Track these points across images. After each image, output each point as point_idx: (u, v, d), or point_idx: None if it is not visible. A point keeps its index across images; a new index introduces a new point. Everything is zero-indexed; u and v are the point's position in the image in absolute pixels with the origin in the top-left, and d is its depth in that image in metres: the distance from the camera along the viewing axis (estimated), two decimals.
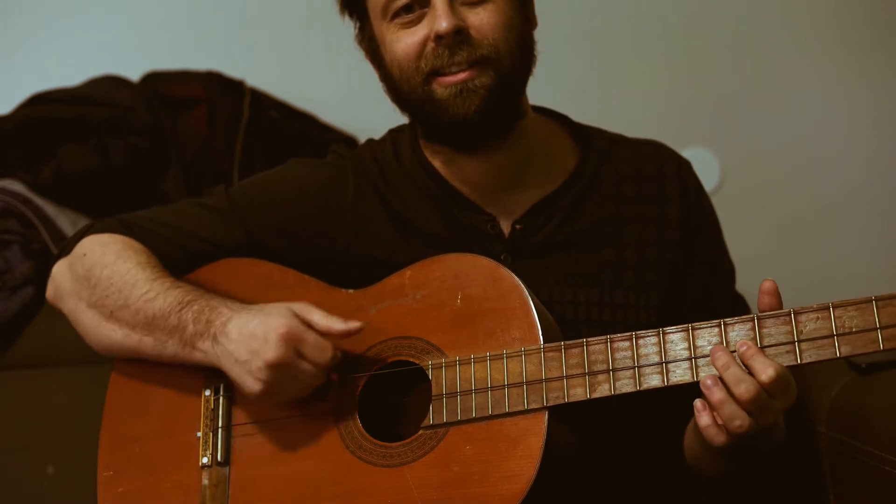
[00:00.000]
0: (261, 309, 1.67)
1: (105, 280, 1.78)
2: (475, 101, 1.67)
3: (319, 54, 2.90)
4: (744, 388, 1.46)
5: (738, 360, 1.48)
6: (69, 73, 2.71)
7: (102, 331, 1.79)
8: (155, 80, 2.73)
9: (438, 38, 1.65)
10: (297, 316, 1.65)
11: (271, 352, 1.61)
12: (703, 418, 1.50)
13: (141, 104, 2.64)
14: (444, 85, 1.67)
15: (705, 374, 1.50)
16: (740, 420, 1.47)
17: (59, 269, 1.85)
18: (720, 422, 1.49)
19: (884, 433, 1.78)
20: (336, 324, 1.64)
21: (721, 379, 1.48)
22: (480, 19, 1.67)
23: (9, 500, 2.38)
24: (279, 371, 1.62)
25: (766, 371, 1.46)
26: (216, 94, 2.70)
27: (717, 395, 1.48)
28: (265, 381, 1.63)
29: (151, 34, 2.91)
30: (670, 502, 1.80)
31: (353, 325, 1.64)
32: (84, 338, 1.84)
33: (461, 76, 1.66)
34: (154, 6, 2.92)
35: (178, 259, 1.83)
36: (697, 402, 1.51)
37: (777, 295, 1.51)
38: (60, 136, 2.59)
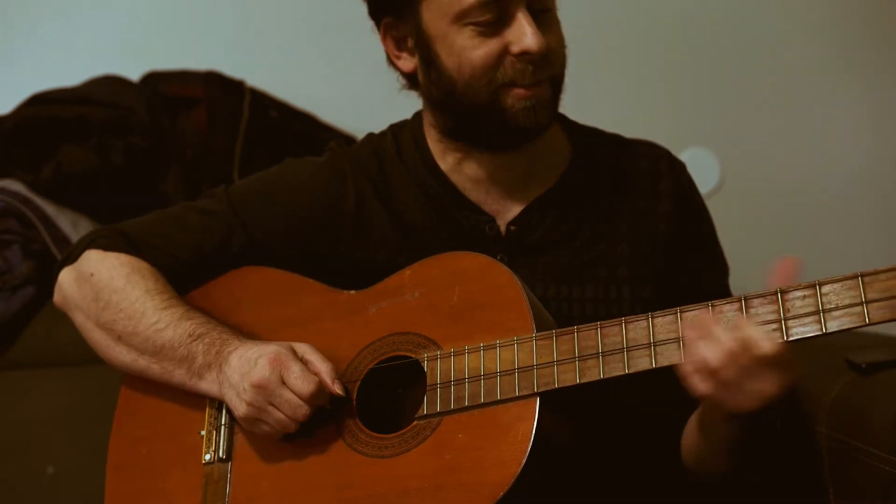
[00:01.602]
0: (264, 343, 1.71)
1: (114, 305, 1.79)
2: (545, 116, 1.71)
3: (319, 54, 2.90)
4: (726, 338, 1.45)
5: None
6: (69, 73, 2.71)
7: (111, 352, 1.82)
8: (155, 80, 2.73)
9: (523, 54, 1.66)
10: (292, 349, 1.68)
11: (257, 373, 1.64)
12: (687, 365, 1.49)
13: (141, 104, 2.64)
14: (516, 97, 1.68)
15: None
16: (713, 353, 1.45)
17: (66, 280, 1.86)
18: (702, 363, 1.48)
19: (884, 433, 1.78)
20: (326, 373, 1.65)
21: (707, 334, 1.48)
22: (554, 40, 1.70)
23: (9, 500, 2.39)
24: (262, 393, 1.64)
25: (763, 345, 1.44)
26: (216, 94, 2.70)
27: (691, 332, 1.48)
28: (248, 403, 1.66)
29: (151, 34, 2.91)
30: (666, 495, 1.80)
31: (337, 389, 1.65)
32: (95, 352, 1.86)
33: (533, 91, 1.69)
34: (154, 6, 2.92)
35: (181, 270, 1.84)
36: (687, 347, 1.50)
37: (794, 271, 1.50)
38: (60, 136, 2.59)
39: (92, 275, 1.83)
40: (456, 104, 1.73)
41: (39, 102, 2.64)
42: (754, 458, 1.67)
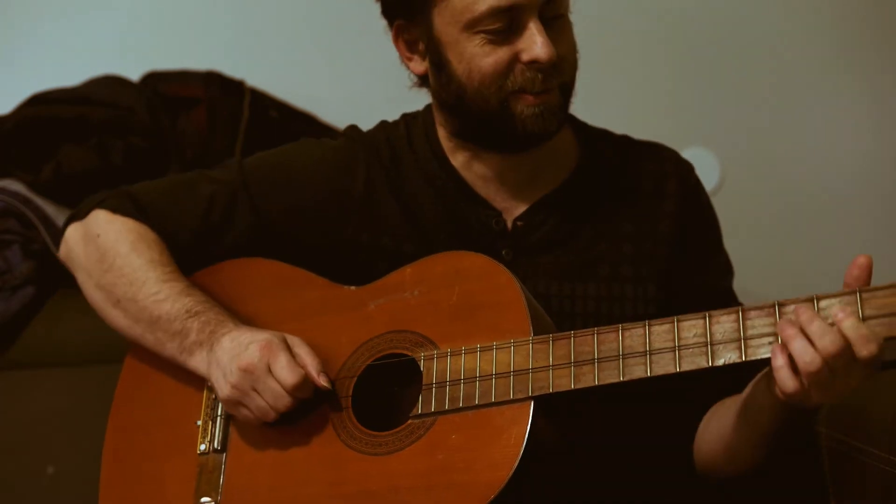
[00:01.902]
0: (259, 330, 1.72)
1: (116, 269, 1.81)
2: (553, 123, 1.72)
3: (319, 54, 2.90)
4: (829, 341, 1.40)
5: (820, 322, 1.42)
6: (69, 73, 2.71)
7: (108, 314, 1.84)
8: (155, 80, 2.73)
9: (533, 63, 1.67)
10: (284, 340, 1.68)
11: (246, 357, 1.66)
12: (778, 358, 1.44)
13: (141, 104, 2.64)
14: (525, 103, 1.69)
15: (688, 365, 1.50)
16: (810, 356, 1.40)
17: (73, 236, 1.88)
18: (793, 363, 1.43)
19: (884, 433, 1.78)
20: (312, 366, 1.66)
21: (804, 332, 1.42)
22: (565, 47, 1.71)
23: (9, 500, 2.39)
24: (248, 377, 1.66)
25: (867, 346, 1.40)
26: (216, 94, 2.71)
27: (787, 330, 1.42)
28: (233, 385, 1.67)
29: (151, 34, 2.91)
30: (660, 499, 1.80)
31: (323, 382, 1.66)
32: (94, 310, 1.87)
33: (543, 97, 1.69)
34: (154, 6, 2.92)
35: (185, 237, 1.86)
36: (775, 345, 1.46)
37: (868, 270, 1.47)
38: (60, 136, 2.59)
39: (98, 235, 1.84)
40: (465, 109, 1.74)
41: (39, 102, 2.64)
42: (791, 446, 1.66)
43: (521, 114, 1.70)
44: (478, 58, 1.70)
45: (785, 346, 1.44)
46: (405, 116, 1.91)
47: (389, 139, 1.87)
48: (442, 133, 1.84)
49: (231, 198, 1.86)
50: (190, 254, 1.86)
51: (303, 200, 1.85)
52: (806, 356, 1.41)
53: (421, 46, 1.78)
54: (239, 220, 1.86)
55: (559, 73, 1.70)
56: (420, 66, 1.79)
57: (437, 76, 1.76)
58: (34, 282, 2.43)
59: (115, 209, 1.86)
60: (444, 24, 1.72)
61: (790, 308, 1.47)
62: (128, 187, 1.91)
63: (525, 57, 1.68)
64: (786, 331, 1.44)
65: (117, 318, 1.82)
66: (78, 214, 1.90)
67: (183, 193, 1.88)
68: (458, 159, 1.83)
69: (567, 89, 1.74)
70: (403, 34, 1.79)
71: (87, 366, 2.15)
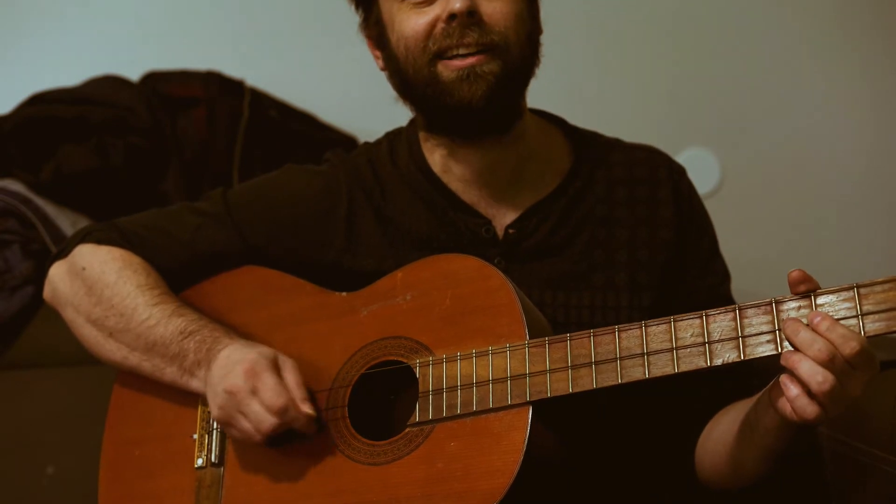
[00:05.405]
0: (253, 344, 1.71)
1: (105, 301, 1.80)
2: (482, 87, 1.67)
3: (319, 54, 2.91)
4: (817, 349, 1.41)
5: (812, 329, 1.43)
6: (69, 73, 2.72)
7: (102, 349, 1.82)
8: (155, 80, 2.74)
9: (451, 17, 1.66)
10: (273, 361, 1.67)
11: (230, 379, 1.65)
12: (791, 389, 1.43)
13: (141, 104, 2.64)
14: (451, 68, 1.68)
15: (686, 366, 1.49)
16: (821, 375, 1.40)
17: (57, 274, 1.86)
18: (806, 386, 1.42)
19: (884, 433, 1.78)
20: (298, 393, 1.65)
21: (804, 351, 1.42)
22: (494, 7, 1.68)
23: (9, 500, 2.39)
24: (232, 400, 1.65)
25: (848, 344, 1.41)
26: (216, 94, 2.71)
27: (792, 357, 1.42)
28: (220, 407, 1.67)
29: (151, 34, 2.91)
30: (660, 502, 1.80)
31: (307, 409, 1.64)
32: (85, 348, 1.85)
33: (469, 60, 1.67)
34: (154, 6, 2.92)
35: (173, 268, 1.85)
36: (783, 377, 1.45)
37: (807, 281, 1.47)
38: (60, 136, 2.59)
39: (84, 269, 1.82)
40: (409, 87, 1.73)
41: (39, 102, 2.64)
42: (795, 459, 1.65)
43: (447, 80, 1.68)
44: (403, 23, 1.70)
45: (793, 376, 1.43)
46: (388, 135, 1.90)
47: (371, 161, 1.86)
48: (422, 137, 1.83)
49: (217, 227, 1.85)
50: (178, 280, 1.85)
51: (287, 227, 1.84)
52: (817, 376, 1.41)
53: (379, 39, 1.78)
54: (225, 249, 1.85)
55: (482, 31, 1.67)
56: (381, 61, 1.79)
57: (385, 60, 1.76)
58: (34, 282, 2.43)
59: (100, 241, 1.84)
60: (385, 2, 1.73)
61: (786, 306, 1.47)
62: (112, 220, 1.89)
63: (444, 13, 1.67)
64: (790, 358, 1.43)
65: (112, 351, 1.80)
66: (61, 253, 1.87)
67: (168, 223, 1.87)
68: (437, 162, 1.81)
69: (501, 53, 1.68)
70: (366, 31, 1.80)
71: (87, 366, 2.14)
